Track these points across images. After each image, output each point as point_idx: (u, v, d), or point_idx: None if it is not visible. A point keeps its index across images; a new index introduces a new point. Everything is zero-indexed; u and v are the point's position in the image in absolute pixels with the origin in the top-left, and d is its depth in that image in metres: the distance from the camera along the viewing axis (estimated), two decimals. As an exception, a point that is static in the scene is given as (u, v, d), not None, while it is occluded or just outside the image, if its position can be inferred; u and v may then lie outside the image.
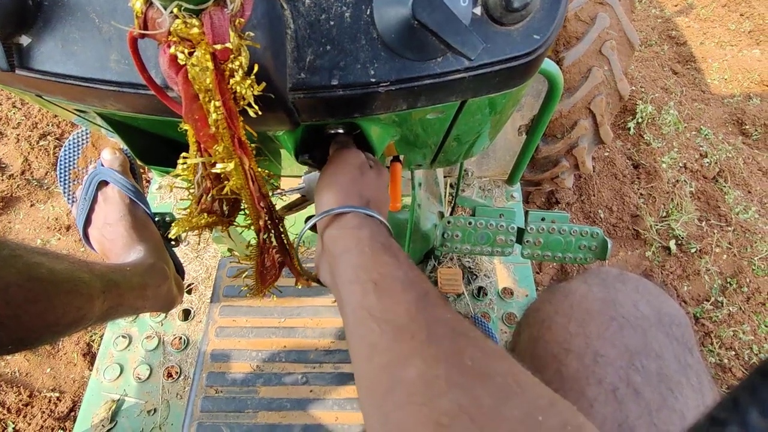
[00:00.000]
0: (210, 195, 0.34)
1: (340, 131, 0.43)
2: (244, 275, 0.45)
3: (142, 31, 0.24)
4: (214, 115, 0.27)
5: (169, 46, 0.24)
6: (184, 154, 0.32)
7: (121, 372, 0.81)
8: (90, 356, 1.49)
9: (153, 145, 0.43)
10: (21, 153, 1.85)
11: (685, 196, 1.76)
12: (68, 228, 1.68)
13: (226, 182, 0.33)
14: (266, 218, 0.38)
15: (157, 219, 0.71)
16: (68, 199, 0.70)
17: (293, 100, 0.31)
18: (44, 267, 0.41)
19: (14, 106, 1.96)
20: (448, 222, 0.67)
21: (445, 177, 1.00)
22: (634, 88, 2.04)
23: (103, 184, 0.65)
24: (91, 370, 1.51)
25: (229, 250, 0.72)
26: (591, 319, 0.40)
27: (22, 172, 1.81)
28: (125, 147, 0.69)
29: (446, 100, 0.35)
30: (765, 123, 1.95)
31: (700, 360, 0.36)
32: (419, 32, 0.29)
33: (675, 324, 0.40)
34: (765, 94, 2.07)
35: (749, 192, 1.79)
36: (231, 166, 0.30)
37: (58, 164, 0.68)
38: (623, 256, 1.67)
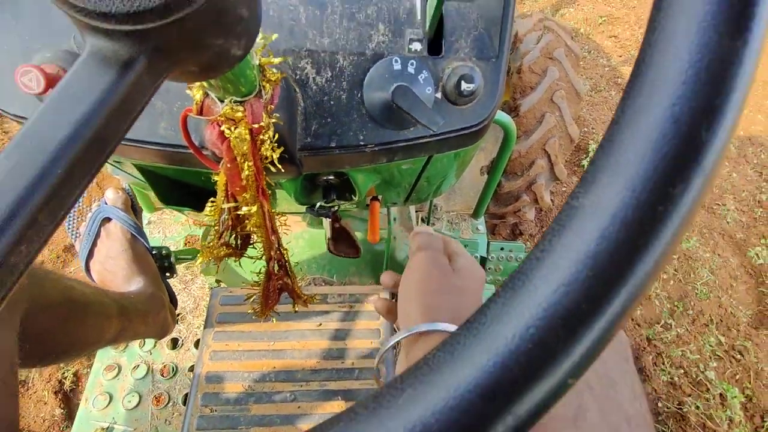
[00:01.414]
0: (231, 231, 0.43)
1: (332, 178, 0.52)
2: (251, 299, 0.53)
3: (199, 116, 0.33)
4: (246, 172, 0.36)
5: (219, 125, 0.33)
6: (212, 199, 0.41)
7: (110, 401, 0.84)
8: (62, 394, 1.47)
9: (174, 190, 0.51)
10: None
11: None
12: (42, 263, 1.67)
13: (246, 221, 0.41)
14: (276, 249, 0.46)
15: (154, 252, 0.77)
16: (72, 235, 0.75)
17: (300, 157, 0.41)
18: (77, 290, 0.47)
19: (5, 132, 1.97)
20: (421, 252, 0.76)
21: (417, 212, 1.11)
22: (586, 129, 2.25)
23: (107, 220, 0.72)
24: (63, 408, 1.48)
25: (217, 281, 0.79)
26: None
27: None
28: (127, 186, 0.76)
29: (417, 156, 0.45)
30: (701, 161, 2.18)
31: (633, 368, 0.45)
32: (396, 111, 0.39)
33: (617, 340, 0.50)
34: (699, 135, 2.32)
35: (691, 224, 1.98)
36: (255, 208, 0.39)
37: None
38: (582, 283, 1.80)
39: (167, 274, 0.81)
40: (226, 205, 0.39)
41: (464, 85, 0.39)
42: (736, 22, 0.12)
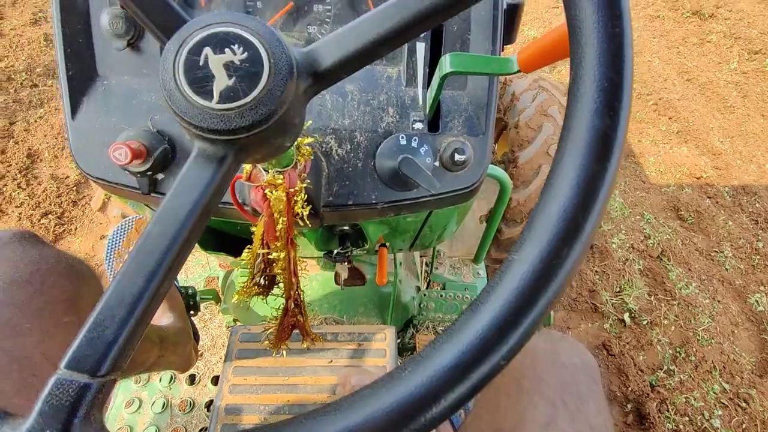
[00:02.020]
0: (262, 273, 0.51)
1: (346, 228, 0.61)
2: (268, 332, 0.60)
3: (248, 182, 0.42)
4: (280, 225, 0.44)
5: (262, 189, 0.43)
6: (249, 246, 0.49)
7: (130, 434, 0.89)
8: None
9: (213, 238, 0.61)
10: (23, 230, 1.96)
11: (634, 273, 1.98)
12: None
13: (275, 265, 0.49)
14: (295, 289, 0.54)
15: (181, 291, 0.85)
16: (111, 275, 0.84)
17: (322, 212, 0.50)
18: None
19: (19, 187, 2.09)
20: (424, 294, 0.84)
21: (421, 257, 1.18)
22: (584, 178, 2.35)
23: None
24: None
25: (234, 320, 0.85)
26: (539, 362, 0.55)
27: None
28: None
29: (419, 211, 0.54)
30: (697, 210, 2.26)
31: (600, 388, 0.51)
32: (402, 176, 0.48)
33: (589, 367, 0.56)
34: (694, 184, 2.41)
35: (689, 270, 2.02)
36: (283, 254, 0.47)
37: (107, 246, 0.83)
38: (584, 328, 1.83)
39: (191, 312, 0.88)
40: (261, 251, 0.47)
41: (457, 156, 0.49)
42: (602, 154, 0.21)
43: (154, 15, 0.27)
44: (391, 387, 0.22)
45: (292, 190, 0.42)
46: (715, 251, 2.11)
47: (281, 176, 0.42)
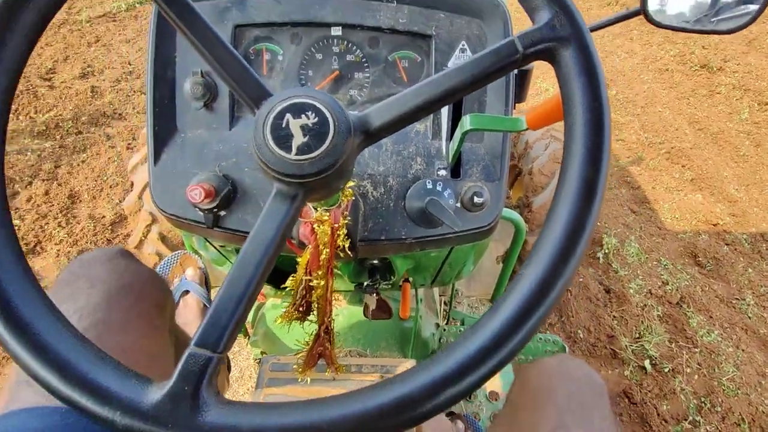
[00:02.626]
0: (303, 299, 0.57)
1: (376, 262, 0.68)
2: (298, 356, 0.65)
3: (303, 218, 0.50)
4: (324, 255, 0.51)
5: (311, 224, 0.50)
6: (293, 275, 0.56)
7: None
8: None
9: None
10: (59, 267, 2.06)
11: (654, 319, 1.97)
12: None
13: (313, 293, 0.56)
14: (328, 316, 0.60)
15: None
16: None
17: (358, 246, 0.57)
18: (184, 334, 0.63)
19: (59, 225, 2.23)
20: (444, 330, 0.88)
21: (440, 296, 1.23)
22: (599, 224, 2.38)
23: (186, 293, 0.88)
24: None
25: (263, 353, 0.91)
26: (551, 378, 0.60)
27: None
28: (202, 265, 0.93)
29: (442, 246, 0.61)
30: (715, 256, 2.26)
31: (606, 400, 0.55)
32: (429, 215, 0.55)
33: (595, 382, 0.60)
34: (711, 231, 2.42)
35: (710, 317, 2.00)
36: (323, 282, 0.54)
37: None
38: (604, 374, 1.81)
39: None
40: (305, 278, 0.54)
41: (476, 199, 0.56)
42: (588, 194, 0.28)
43: (248, 89, 0.36)
44: (435, 363, 0.29)
45: (336, 225, 0.50)
46: (737, 299, 2.09)
47: (327, 213, 0.50)
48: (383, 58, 0.65)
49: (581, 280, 2.15)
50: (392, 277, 0.72)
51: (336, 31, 0.64)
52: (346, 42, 0.65)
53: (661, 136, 3.06)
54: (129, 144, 2.72)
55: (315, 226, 0.50)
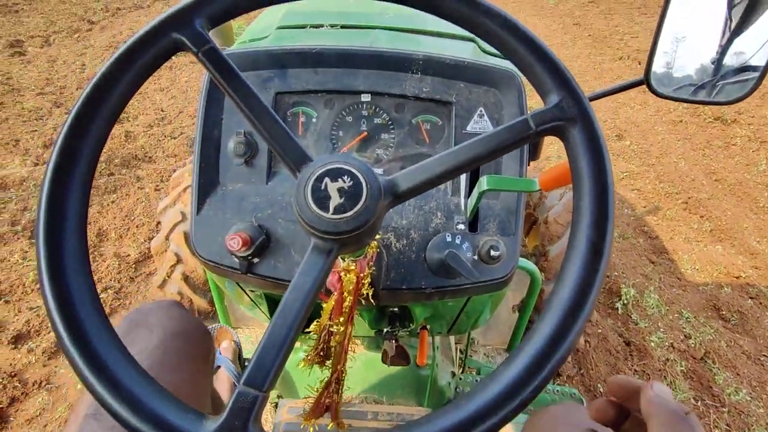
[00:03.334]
0: (325, 344, 0.60)
1: (396, 309, 0.71)
2: (305, 403, 0.67)
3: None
4: (347, 303, 0.55)
5: (338, 273, 0.54)
6: (317, 320, 0.59)
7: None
8: None
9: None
10: (83, 302, 2.12)
11: (677, 375, 1.90)
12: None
13: (333, 338, 0.59)
14: (342, 364, 0.62)
15: (245, 365, 0.95)
16: None
17: (381, 294, 0.60)
18: (220, 398, 0.66)
19: (86, 262, 2.31)
20: (460, 378, 0.89)
21: (456, 344, 1.24)
22: (617, 273, 2.36)
23: (218, 368, 0.93)
24: None
25: (279, 395, 0.92)
26: (557, 423, 0.61)
27: (79, 320, 2.05)
28: (237, 339, 0.98)
29: (460, 296, 0.64)
30: (739, 310, 2.20)
31: None
32: (448, 266, 0.59)
33: (599, 428, 0.61)
34: (734, 283, 2.37)
35: (737, 374, 1.92)
36: (342, 328, 0.57)
37: None
38: None
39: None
40: (327, 322, 0.57)
41: (492, 252, 0.60)
42: (580, 302, 0.32)
43: (291, 153, 0.41)
44: (453, 408, 0.32)
45: (361, 275, 0.54)
46: (764, 355, 2.02)
47: (354, 264, 0.54)
48: (407, 122, 0.72)
49: (600, 331, 2.11)
50: (411, 325, 0.75)
51: (366, 97, 0.70)
52: (374, 107, 0.72)
53: (678, 186, 3.07)
54: (157, 186, 2.85)
55: (342, 274, 0.53)
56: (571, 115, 0.39)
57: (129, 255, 2.37)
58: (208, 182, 0.66)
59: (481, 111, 0.68)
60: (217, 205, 0.65)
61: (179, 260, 1.63)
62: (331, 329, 0.57)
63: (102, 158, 3.08)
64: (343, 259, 0.54)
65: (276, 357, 0.36)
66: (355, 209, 0.38)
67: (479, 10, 0.41)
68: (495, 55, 0.78)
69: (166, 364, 0.65)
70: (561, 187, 0.50)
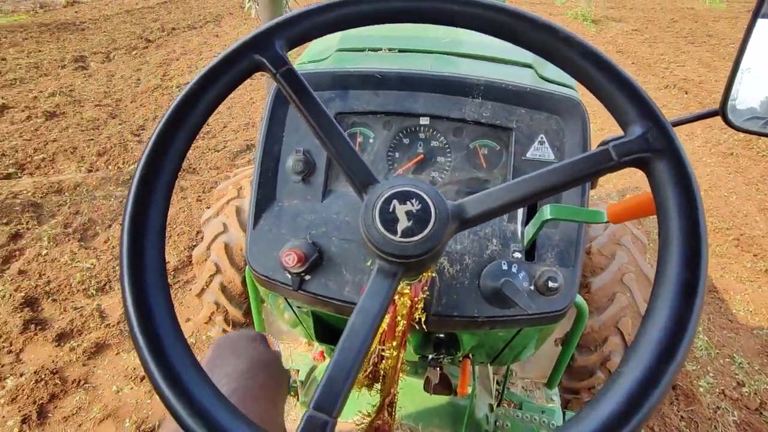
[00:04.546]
0: (374, 367, 0.59)
1: (442, 336, 0.69)
2: (359, 426, 0.65)
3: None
4: (400, 327, 0.54)
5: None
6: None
7: None
8: None
9: (328, 331, 0.71)
10: (122, 307, 2.19)
11: (729, 425, 1.76)
12: (142, 379, 1.86)
13: (383, 362, 0.58)
14: (395, 389, 0.61)
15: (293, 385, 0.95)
16: None
17: (431, 320, 0.59)
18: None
19: (129, 267, 2.39)
20: (501, 412, 0.85)
21: (494, 374, 1.19)
22: (661, 310, 2.24)
23: None
24: None
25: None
26: None
27: (118, 323, 2.11)
28: (279, 348, 0.98)
29: (511, 327, 0.61)
30: (799, 358, 2.03)
31: None
32: (503, 296, 0.57)
33: None
34: (792, 330, 2.20)
35: (798, 430, 1.77)
36: (395, 353, 0.56)
37: None
38: (672, 484, 1.61)
39: None
40: (379, 346, 0.56)
41: (551, 284, 0.57)
42: (688, 299, 0.30)
43: (358, 174, 0.41)
44: None
45: (416, 299, 0.53)
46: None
47: (408, 287, 0.53)
48: (465, 146, 0.71)
49: (642, 370, 1.99)
50: (457, 352, 0.72)
51: (424, 120, 0.71)
52: (432, 130, 0.72)
53: (729, 221, 2.91)
54: (199, 197, 2.94)
55: (396, 297, 0.53)
56: (658, 148, 0.37)
57: (169, 262, 2.44)
58: (265, 198, 0.68)
59: (542, 138, 0.67)
60: (272, 220, 0.66)
61: (218, 270, 1.66)
62: (383, 353, 0.56)
63: (150, 168, 3.22)
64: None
65: (345, 381, 0.35)
66: (423, 233, 0.37)
67: (558, 38, 0.41)
68: (554, 82, 0.77)
69: (249, 389, 0.70)
70: (633, 219, 0.48)
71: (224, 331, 1.73)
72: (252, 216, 0.66)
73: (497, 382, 1.18)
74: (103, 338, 2.01)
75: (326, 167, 0.69)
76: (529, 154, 0.67)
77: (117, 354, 1.98)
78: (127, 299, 0.36)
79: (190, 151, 3.47)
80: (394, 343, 0.55)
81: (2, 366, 1.88)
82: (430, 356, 0.73)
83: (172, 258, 2.44)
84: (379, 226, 0.38)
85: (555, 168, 0.39)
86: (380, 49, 0.82)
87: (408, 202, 0.38)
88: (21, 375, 1.83)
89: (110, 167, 3.25)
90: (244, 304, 1.70)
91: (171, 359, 0.35)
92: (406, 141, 0.73)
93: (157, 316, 0.36)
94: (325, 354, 0.96)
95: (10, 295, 2.14)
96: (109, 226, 2.65)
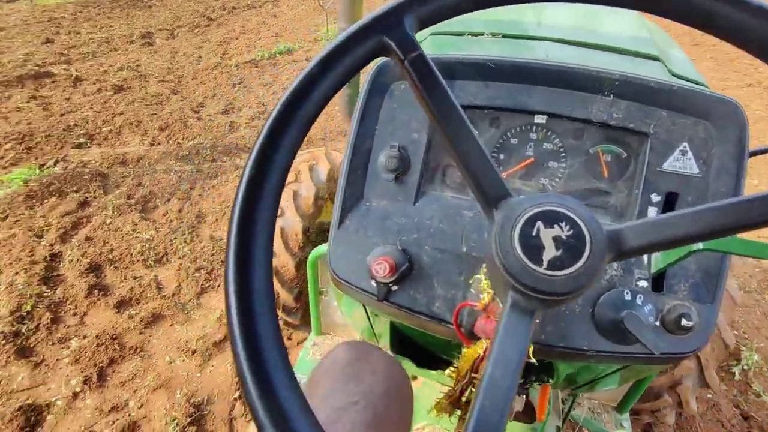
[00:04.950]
0: (461, 395, 0.53)
1: (534, 361, 0.62)
2: None
3: (483, 311, 0.47)
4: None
5: (496, 319, 0.47)
6: (454, 366, 0.53)
7: None
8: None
9: (404, 344, 0.66)
10: (178, 279, 2.25)
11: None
12: (194, 352, 1.91)
13: (471, 390, 0.52)
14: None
15: None
16: None
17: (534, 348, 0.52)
18: None
19: (185, 241, 2.45)
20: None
21: (560, 394, 1.11)
22: (736, 332, 2.05)
23: None
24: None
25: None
26: None
27: (173, 295, 2.18)
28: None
29: (625, 364, 0.54)
30: None
31: None
32: (623, 330, 0.49)
33: None
34: None
35: None
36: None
37: None
38: None
39: None
40: (472, 375, 0.50)
41: (684, 322, 0.49)
42: None
43: (487, 185, 0.35)
44: None
45: None
46: None
47: None
48: (585, 151, 0.62)
49: (710, 396, 1.84)
50: (549, 380, 0.65)
51: (540, 119, 0.62)
52: (546, 130, 0.63)
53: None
54: (253, 176, 2.97)
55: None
56: None
57: (222, 239, 2.49)
58: (352, 196, 0.62)
59: (684, 147, 0.57)
60: (359, 221, 0.61)
61: (273, 254, 1.65)
62: (474, 381, 0.50)
63: (207, 145, 3.30)
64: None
65: (500, 421, 0.29)
66: (576, 266, 0.31)
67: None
68: (685, 78, 0.66)
69: (388, 417, 0.62)
70: None
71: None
72: (337, 215, 0.61)
73: (562, 401, 1.10)
74: (158, 309, 2.08)
75: (422, 166, 0.63)
76: (666, 165, 0.58)
77: (171, 325, 2.05)
78: (234, 326, 0.31)
79: (246, 131, 3.54)
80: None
81: (68, 327, 1.99)
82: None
83: (226, 235, 2.48)
84: (520, 252, 0.31)
85: (738, 203, 0.30)
86: (482, 34, 0.74)
87: (556, 226, 0.32)
88: (84, 337, 1.93)
89: (170, 142, 3.35)
90: (296, 289, 1.69)
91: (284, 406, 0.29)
92: (514, 141, 0.64)
93: (270, 365, 0.30)
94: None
95: (77, 260, 2.25)
96: (168, 200, 2.73)
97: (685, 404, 1.47)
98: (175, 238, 2.47)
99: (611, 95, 0.58)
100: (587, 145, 0.62)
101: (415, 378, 0.84)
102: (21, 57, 4.63)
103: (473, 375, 0.50)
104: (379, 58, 0.38)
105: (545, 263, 0.31)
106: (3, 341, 1.86)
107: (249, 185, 0.34)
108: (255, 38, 5.57)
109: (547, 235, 0.31)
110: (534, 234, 0.32)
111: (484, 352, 0.48)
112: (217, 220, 2.63)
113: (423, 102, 0.36)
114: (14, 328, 1.91)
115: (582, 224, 0.31)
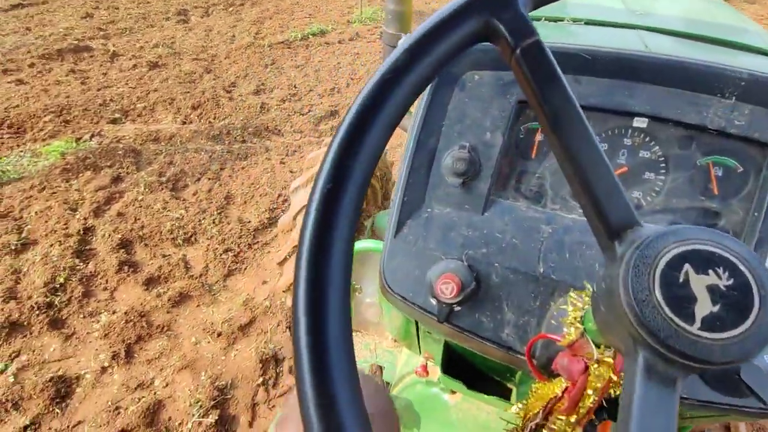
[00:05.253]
0: (529, 434, 0.47)
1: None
2: None
3: (569, 348, 0.40)
4: (588, 402, 0.41)
5: (584, 360, 0.40)
6: (522, 403, 0.46)
7: None
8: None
9: (457, 366, 0.60)
10: (205, 260, 2.25)
11: None
12: (219, 335, 1.91)
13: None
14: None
15: None
16: None
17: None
18: None
19: (213, 222, 2.45)
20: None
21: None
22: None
23: None
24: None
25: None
26: None
27: (200, 275, 2.17)
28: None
29: (725, 416, 0.45)
30: None
31: None
32: (734, 380, 0.41)
33: None
34: None
35: None
36: (570, 430, 0.43)
37: None
38: None
39: None
40: (542, 419, 0.43)
41: None
42: None
43: (611, 210, 0.27)
44: None
45: (621, 373, 0.39)
46: None
47: (610, 357, 0.39)
48: (692, 162, 0.53)
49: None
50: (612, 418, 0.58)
51: (640, 122, 0.53)
52: (644, 136, 0.54)
53: None
54: (282, 159, 2.94)
55: (591, 365, 0.39)
56: None
57: (250, 221, 2.47)
58: (412, 200, 0.55)
59: None
60: (418, 229, 0.54)
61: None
62: (552, 426, 0.43)
63: (238, 125, 3.28)
64: (597, 345, 0.40)
65: None
66: (741, 328, 0.23)
67: None
68: None
69: None
70: None
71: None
72: (394, 221, 0.54)
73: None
74: (186, 289, 2.08)
75: (495, 171, 0.55)
76: None
77: (198, 306, 2.05)
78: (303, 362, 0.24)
79: (277, 113, 3.50)
80: (572, 419, 0.42)
81: (98, 301, 2.01)
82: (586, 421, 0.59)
83: (253, 218, 2.47)
84: (663, 304, 0.24)
85: None
86: (562, 20, 0.65)
87: (711, 272, 0.24)
88: (113, 313, 1.94)
89: (202, 121, 3.34)
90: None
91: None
92: (604, 146, 0.56)
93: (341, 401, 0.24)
94: (428, 370, 0.85)
95: (109, 235, 2.27)
96: (198, 179, 2.73)
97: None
98: (204, 218, 2.46)
99: (733, 98, 0.49)
100: (696, 156, 0.52)
101: (453, 392, 0.78)
102: (62, 30, 4.69)
103: (544, 420, 0.44)
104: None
105: (698, 321, 0.24)
106: (37, 311, 1.89)
107: (323, 202, 0.26)
108: (288, 18, 5.50)
109: (699, 283, 0.24)
110: (681, 281, 0.24)
111: (563, 393, 0.42)
112: (245, 202, 2.61)
113: (536, 102, 0.28)
114: (48, 299, 1.94)
115: (747, 273, 0.24)
